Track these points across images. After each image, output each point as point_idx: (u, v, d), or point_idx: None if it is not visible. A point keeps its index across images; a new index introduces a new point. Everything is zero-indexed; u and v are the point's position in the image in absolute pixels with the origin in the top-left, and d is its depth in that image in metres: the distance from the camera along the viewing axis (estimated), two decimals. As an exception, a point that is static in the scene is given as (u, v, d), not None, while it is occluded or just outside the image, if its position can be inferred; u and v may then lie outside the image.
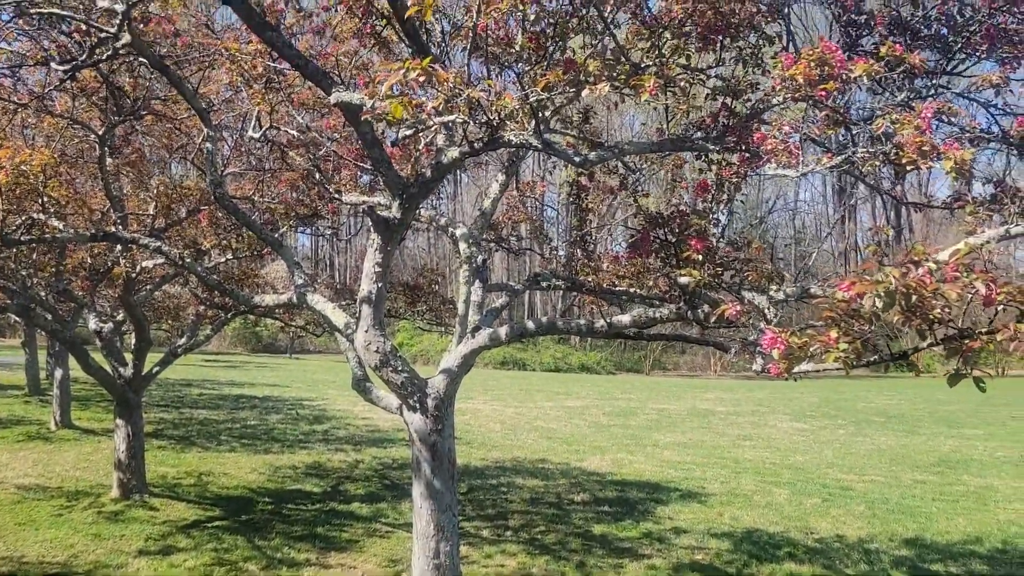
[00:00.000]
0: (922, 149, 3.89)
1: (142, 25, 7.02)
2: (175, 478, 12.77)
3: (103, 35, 6.13)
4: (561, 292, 7.30)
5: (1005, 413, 26.15)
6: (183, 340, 12.02)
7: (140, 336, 11.59)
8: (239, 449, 15.94)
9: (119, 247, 10.27)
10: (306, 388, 30.94)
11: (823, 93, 4.13)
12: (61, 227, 8.09)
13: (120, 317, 12.34)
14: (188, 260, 7.80)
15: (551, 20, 5.61)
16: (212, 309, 11.93)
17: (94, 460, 14.01)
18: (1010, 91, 4.84)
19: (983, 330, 3.38)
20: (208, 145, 7.05)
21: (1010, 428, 22.88)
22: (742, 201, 6.94)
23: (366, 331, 6.37)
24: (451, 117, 4.35)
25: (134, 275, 10.78)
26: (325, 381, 34.53)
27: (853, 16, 5.29)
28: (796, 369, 3.90)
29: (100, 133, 9.24)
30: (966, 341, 3.44)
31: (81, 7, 6.47)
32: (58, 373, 18.18)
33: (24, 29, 7.23)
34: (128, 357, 11.60)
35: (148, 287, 12.25)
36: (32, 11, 6.02)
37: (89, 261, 11.52)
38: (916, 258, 3.68)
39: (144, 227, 10.95)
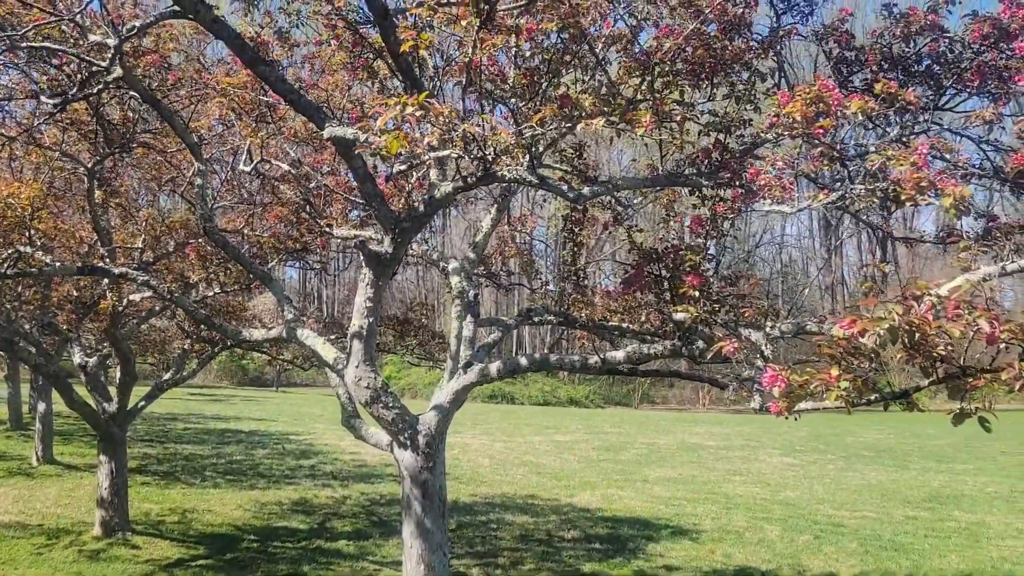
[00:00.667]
0: (920, 185, 3.89)
1: (133, 59, 6.99)
2: (159, 515, 12.53)
3: (94, 69, 6.10)
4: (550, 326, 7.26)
5: (994, 448, 26.12)
6: (169, 374, 11.87)
7: (125, 370, 11.43)
8: (224, 485, 15.68)
9: (106, 280, 10.16)
10: (293, 422, 30.60)
11: (820, 131, 4.14)
12: (48, 260, 7.99)
13: (105, 351, 12.18)
14: (176, 294, 7.71)
15: (545, 56, 5.62)
16: (199, 343, 11.80)
17: (76, 496, 13.74)
18: (1002, 127, 4.87)
19: (986, 368, 3.35)
20: (198, 179, 7.01)
21: (1000, 463, 22.84)
22: (734, 237, 6.94)
23: (357, 366, 6.29)
24: (447, 152, 4.33)
25: (121, 309, 10.66)
26: (312, 415, 34.18)
27: (845, 53, 5.32)
28: (796, 408, 3.85)
29: (89, 166, 9.18)
30: (969, 379, 3.41)
31: (72, 41, 6.45)
32: (41, 407, 17.91)
33: (14, 62, 7.20)
34: (112, 391, 11.43)
35: (135, 321, 12.11)
36: (23, 45, 5.99)
37: (75, 294, 11.39)
38: (918, 293, 3.65)
39: (132, 260, 10.86)
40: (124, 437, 11.31)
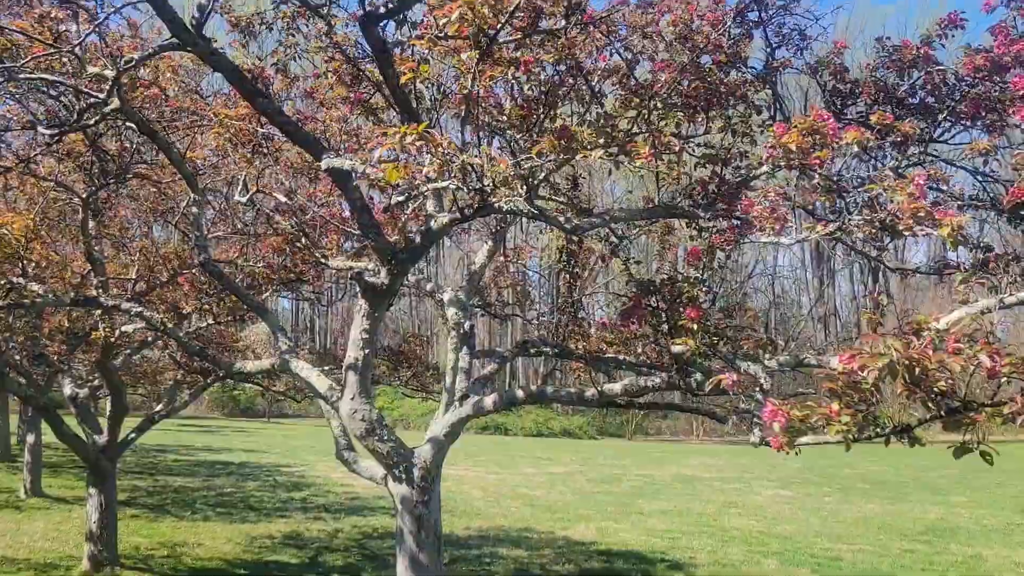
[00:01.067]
0: (918, 215, 3.89)
1: (131, 91, 7.01)
2: (148, 549, 12.34)
3: (92, 100, 6.10)
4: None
5: (989, 479, 26.02)
6: (161, 406, 11.76)
7: (117, 402, 11.31)
8: (214, 518, 15.49)
9: (98, 311, 10.09)
10: (284, 454, 30.35)
11: (817, 161, 4.15)
12: (40, 291, 7.94)
13: (96, 382, 12.06)
14: (170, 326, 7.66)
15: (542, 89, 5.66)
16: (191, 374, 11.71)
17: (64, 530, 13.54)
18: (997, 159, 4.90)
19: (988, 402, 3.33)
20: (194, 210, 6.99)
21: (995, 495, 22.75)
22: (730, 269, 6.95)
23: (352, 399, 6.24)
24: (445, 183, 4.33)
25: (113, 340, 10.58)
26: (304, 446, 33.90)
27: (839, 86, 5.37)
28: (797, 442, 3.82)
29: (84, 196, 9.16)
30: (971, 414, 3.39)
31: (70, 71, 6.46)
32: (30, 439, 17.71)
33: (11, 92, 7.20)
34: (103, 423, 11.31)
35: (127, 352, 12.01)
36: (22, 76, 6.00)
37: (66, 325, 11.31)
38: (917, 328, 3.64)
39: (124, 291, 10.80)
40: (114, 470, 11.17)
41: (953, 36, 5.17)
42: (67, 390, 11.08)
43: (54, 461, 22.73)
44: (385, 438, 6.18)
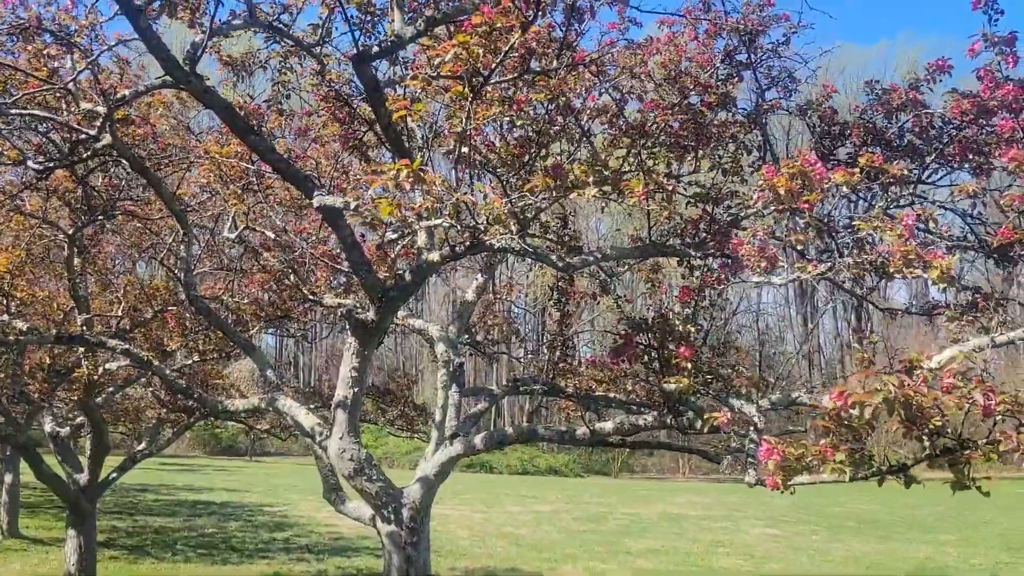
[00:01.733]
0: (908, 257, 3.92)
1: (122, 127, 7.01)
2: (127, 592, 12.08)
3: (83, 136, 6.09)
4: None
5: (977, 517, 26.01)
6: (143, 445, 11.60)
7: (98, 441, 11.15)
8: (195, 559, 15.20)
9: (82, 348, 9.98)
10: (267, 493, 29.91)
11: (806, 205, 4.18)
12: (24, 328, 7.85)
13: (78, 420, 11.89)
14: (156, 363, 7.58)
15: (534, 128, 5.70)
16: (175, 412, 11.56)
17: (42, 573, 13.22)
18: (983, 203, 4.96)
19: (983, 440, 3.33)
20: (183, 248, 6.96)
21: (983, 533, 22.72)
22: (720, 308, 6.96)
23: (340, 438, 6.18)
24: (438, 222, 4.33)
25: (96, 377, 10.45)
26: (286, 485, 33.44)
27: (828, 127, 5.44)
28: (792, 481, 3.80)
29: (70, 233, 9.10)
30: (966, 452, 3.39)
31: (63, 108, 6.46)
32: (8, 478, 17.36)
33: (0, 128, 7.18)
34: (83, 462, 11.12)
35: (110, 389, 11.87)
36: (12, 112, 5.98)
37: (48, 362, 11.16)
38: (911, 365, 3.65)
39: (109, 327, 10.69)
40: (94, 510, 10.97)
41: (941, 81, 5.27)
42: (48, 428, 10.91)
43: (32, 501, 22.30)
44: (374, 478, 6.11)
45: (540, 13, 4.53)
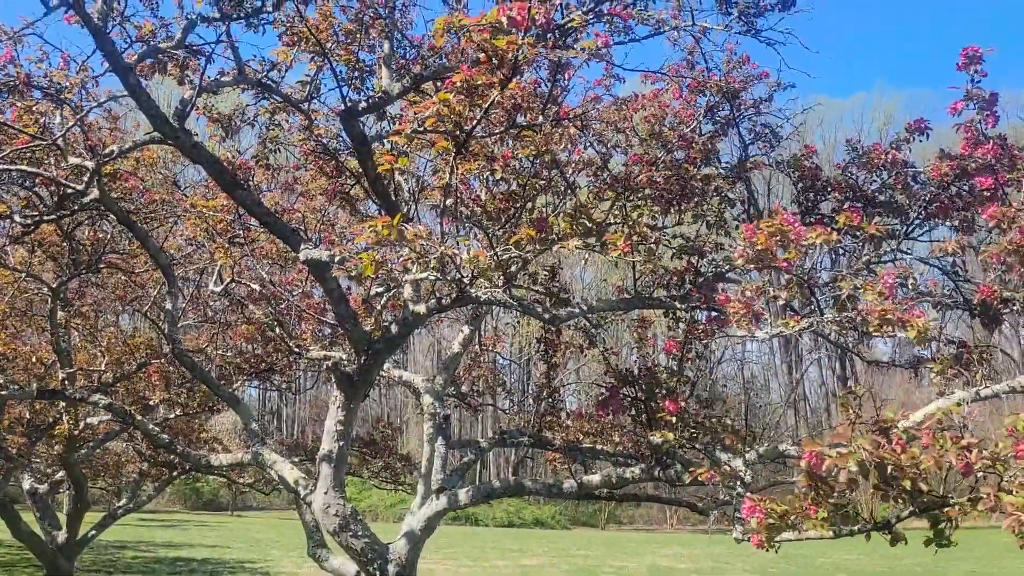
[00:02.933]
0: (886, 317, 3.97)
1: (111, 182, 7.04)
2: (103, 654, 11.75)
3: (70, 190, 6.11)
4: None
5: (961, 568, 25.81)
6: (123, 500, 11.39)
7: (78, 497, 10.95)
8: (175, 619, 14.83)
9: (62, 403, 9.85)
10: (248, 548, 29.30)
11: (784, 264, 4.23)
12: (2, 382, 7.76)
13: (57, 476, 11.68)
14: (139, 418, 7.50)
15: (520, 181, 5.77)
16: (157, 467, 11.39)
17: (14, 634, 12.87)
18: (963, 260, 5.04)
19: (963, 499, 3.33)
20: (168, 305, 6.94)
21: (970, 584, 22.52)
22: (706, 359, 6.98)
23: (326, 493, 6.10)
24: (423, 275, 4.35)
25: (77, 432, 10.30)
26: (268, 540, 32.81)
27: (812, 182, 5.54)
28: (778, 538, 3.78)
29: (54, 286, 9.06)
30: (946, 509, 3.38)
31: (53, 162, 6.48)
32: (-18, 536, 16.98)
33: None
34: (62, 519, 10.90)
35: (90, 444, 11.69)
36: (1, 167, 6.00)
37: (27, 416, 11.00)
38: (885, 426, 3.64)
39: (91, 381, 10.57)
40: (71, 570, 10.72)
41: (920, 141, 5.41)
42: (26, 484, 10.71)
43: (7, 560, 21.73)
44: (359, 534, 6.02)
45: (518, 74, 4.60)
